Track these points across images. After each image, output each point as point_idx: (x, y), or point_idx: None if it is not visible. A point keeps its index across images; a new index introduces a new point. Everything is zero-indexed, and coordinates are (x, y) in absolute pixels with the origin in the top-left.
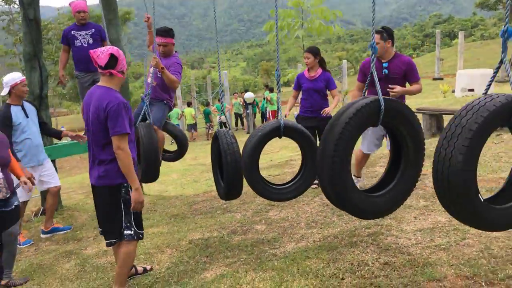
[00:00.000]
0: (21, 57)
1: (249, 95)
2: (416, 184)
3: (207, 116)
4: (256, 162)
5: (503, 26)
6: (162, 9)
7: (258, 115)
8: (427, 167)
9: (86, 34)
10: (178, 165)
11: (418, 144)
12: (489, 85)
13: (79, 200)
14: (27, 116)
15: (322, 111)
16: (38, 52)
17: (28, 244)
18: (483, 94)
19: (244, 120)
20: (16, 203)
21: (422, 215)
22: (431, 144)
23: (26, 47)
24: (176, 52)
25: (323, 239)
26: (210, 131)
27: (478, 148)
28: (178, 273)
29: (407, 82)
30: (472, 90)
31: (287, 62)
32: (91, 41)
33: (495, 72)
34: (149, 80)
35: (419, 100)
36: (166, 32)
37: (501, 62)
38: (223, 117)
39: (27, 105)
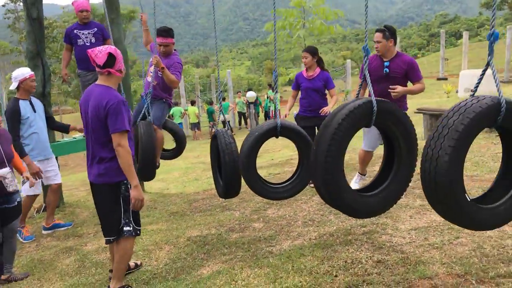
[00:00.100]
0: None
1: (251, 94)
2: (409, 184)
3: (211, 115)
4: (254, 161)
5: (489, 29)
6: (167, 7)
7: (262, 114)
8: None
9: (89, 33)
10: (180, 163)
11: (411, 145)
12: (477, 87)
13: (80, 197)
14: (34, 111)
15: (321, 110)
16: (41, 51)
17: (30, 240)
18: (470, 95)
19: (248, 119)
20: (18, 200)
21: (417, 214)
22: None
23: (29, 45)
24: (175, 50)
25: (319, 237)
26: (213, 130)
27: (464, 149)
28: (175, 269)
29: (409, 82)
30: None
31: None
32: (93, 40)
33: (482, 75)
34: (149, 79)
35: (423, 100)
36: (167, 32)
37: (488, 64)
38: (226, 116)
39: (34, 100)
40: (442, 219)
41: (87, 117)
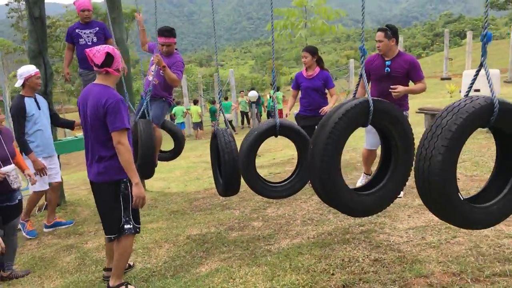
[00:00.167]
0: None
1: (252, 94)
2: (406, 183)
3: (213, 114)
4: (253, 160)
5: (483, 30)
6: (171, 6)
7: (264, 114)
8: None
9: (90, 32)
10: (182, 163)
11: (408, 144)
12: (470, 87)
13: (82, 196)
14: (39, 108)
15: (321, 110)
16: (43, 50)
17: (33, 237)
18: (463, 96)
19: (250, 119)
20: (19, 198)
21: (416, 214)
22: None
23: (31, 44)
24: (176, 50)
25: (317, 236)
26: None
27: (457, 149)
28: (174, 267)
29: (410, 81)
30: (478, 90)
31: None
32: (95, 39)
33: (475, 75)
34: (150, 78)
35: (426, 100)
36: (169, 32)
37: (481, 65)
38: (228, 115)
39: (39, 98)
40: None
41: (85, 116)
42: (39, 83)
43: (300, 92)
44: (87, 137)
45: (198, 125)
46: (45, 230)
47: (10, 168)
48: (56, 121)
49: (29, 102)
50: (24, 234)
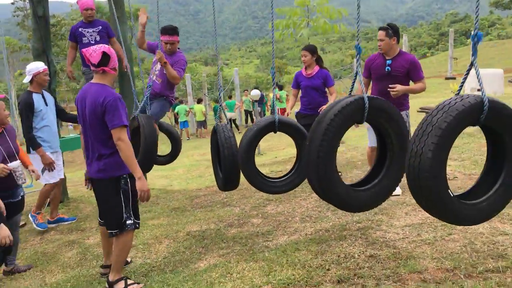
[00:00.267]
0: None
1: (255, 93)
2: (401, 179)
3: (217, 112)
4: (252, 155)
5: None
6: (177, 5)
7: (268, 113)
8: None
9: (94, 31)
10: (184, 161)
11: (403, 142)
12: (461, 87)
13: (85, 193)
14: (46, 104)
15: (320, 109)
16: (47, 48)
17: (44, 229)
18: (455, 94)
19: (254, 117)
20: (22, 194)
21: (413, 211)
22: None
23: (35, 43)
24: (179, 49)
25: (315, 232)
26: None
27: (447, 146)
28: (173, 262)
29: (410, 81)
30: (479, 90)
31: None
32: (98, 38)
33: (466, 75)
34: (153, 77)
35: (429, 99)
36: (173, 30)
37: (472, 65)
38: (232, 114)
39: (46, 94)
40: None
41: (84, 115)
42: (46, 80)
43: (300, 91)
44: (86, 135)
45: (202, 124)
46: (48, 225)
47: (16, 164)
48: (63, 116)
49: (37, 98)
50: (35, 226)
